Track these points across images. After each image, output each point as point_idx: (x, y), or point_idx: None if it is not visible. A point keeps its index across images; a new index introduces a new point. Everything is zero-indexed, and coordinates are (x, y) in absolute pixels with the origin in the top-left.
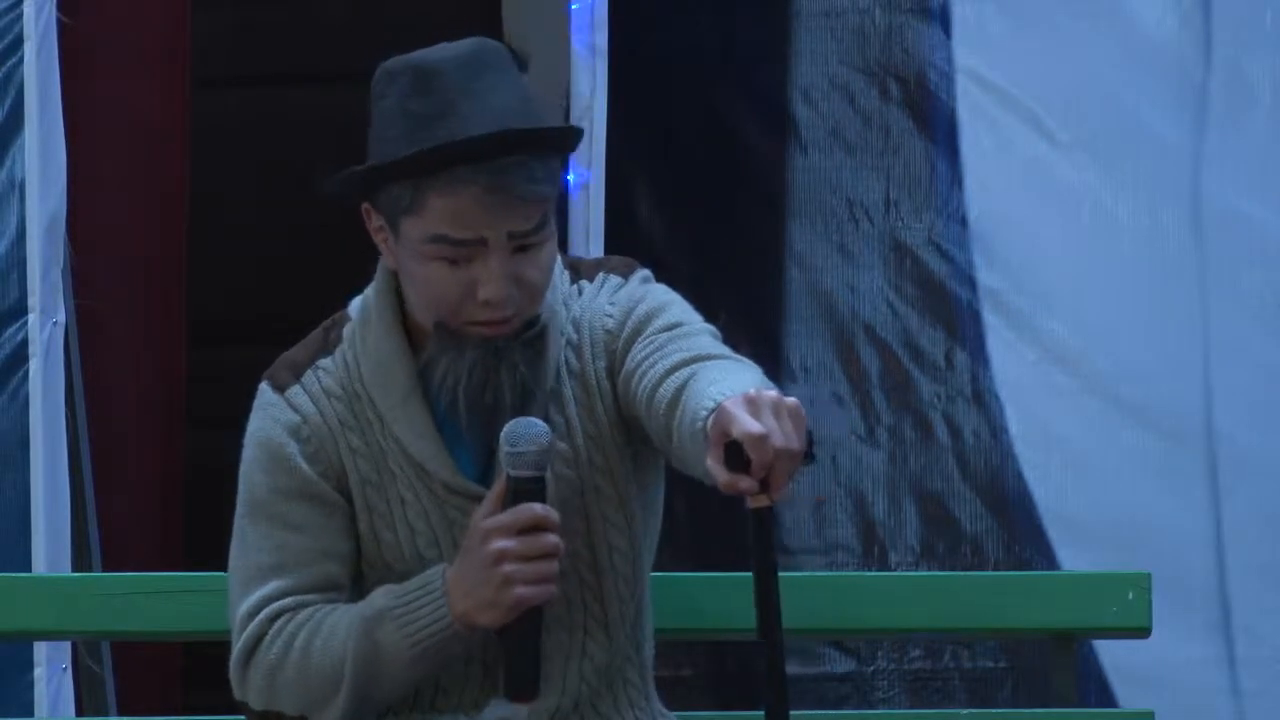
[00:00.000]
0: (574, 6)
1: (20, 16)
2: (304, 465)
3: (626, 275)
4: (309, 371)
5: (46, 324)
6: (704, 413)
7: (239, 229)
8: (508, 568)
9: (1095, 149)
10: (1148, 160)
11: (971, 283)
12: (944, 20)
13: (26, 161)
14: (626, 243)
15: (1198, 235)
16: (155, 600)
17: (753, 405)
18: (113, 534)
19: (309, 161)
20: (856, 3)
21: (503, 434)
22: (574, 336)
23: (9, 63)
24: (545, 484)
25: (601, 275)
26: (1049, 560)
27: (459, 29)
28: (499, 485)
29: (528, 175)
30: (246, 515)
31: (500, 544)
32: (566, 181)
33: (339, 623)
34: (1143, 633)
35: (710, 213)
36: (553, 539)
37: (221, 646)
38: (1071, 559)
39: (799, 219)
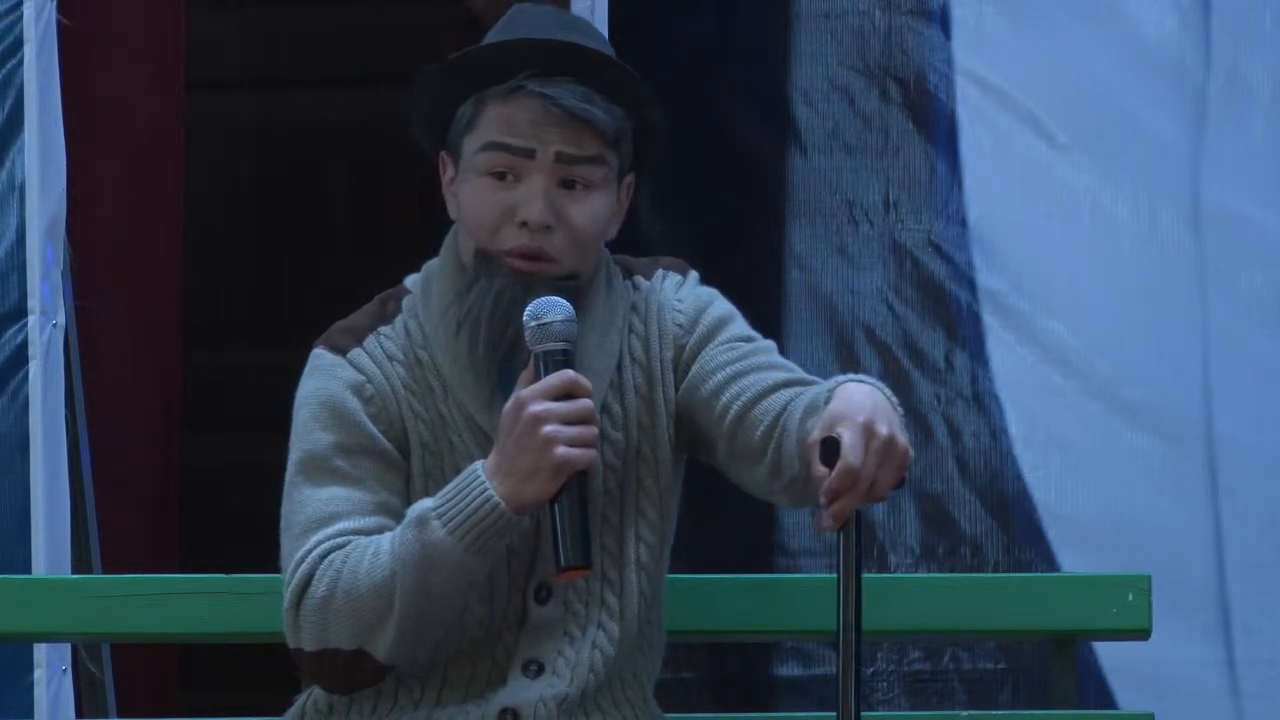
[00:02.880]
0: (574, 7)
1: (20, 18)
2: (367, 422)
3: (683, 273)
4: (370, 336)
5: (46, 326)
6: (826, 393)
7: (239, 230)
8: (547, 429)
9: (1095, 150)
10: (1147, 161)
11: (971, 284)
12: (944, 22)
13: (26, 163)
14: (627, 243)
15: (1197, 236)
16: (155, 602)
17: (866, 435)
18: (112, 536)
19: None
20: (856, 4)
21: (526, 311)
22: (640, 328)
23: (9, 64)
24: (572, 356)
25: (660, 272)
26: (1049, 562)
27: (466, 33)
28: (528, 369)
29: (582, 95)
30: (302, 472)
31: (536, 408)
32: None
33: (384, 541)
34: (1142, 634)
35: (710, 213)
36: (587, 403)
37: (221, 649)
38: (1071, 561)
39: (799, 220)
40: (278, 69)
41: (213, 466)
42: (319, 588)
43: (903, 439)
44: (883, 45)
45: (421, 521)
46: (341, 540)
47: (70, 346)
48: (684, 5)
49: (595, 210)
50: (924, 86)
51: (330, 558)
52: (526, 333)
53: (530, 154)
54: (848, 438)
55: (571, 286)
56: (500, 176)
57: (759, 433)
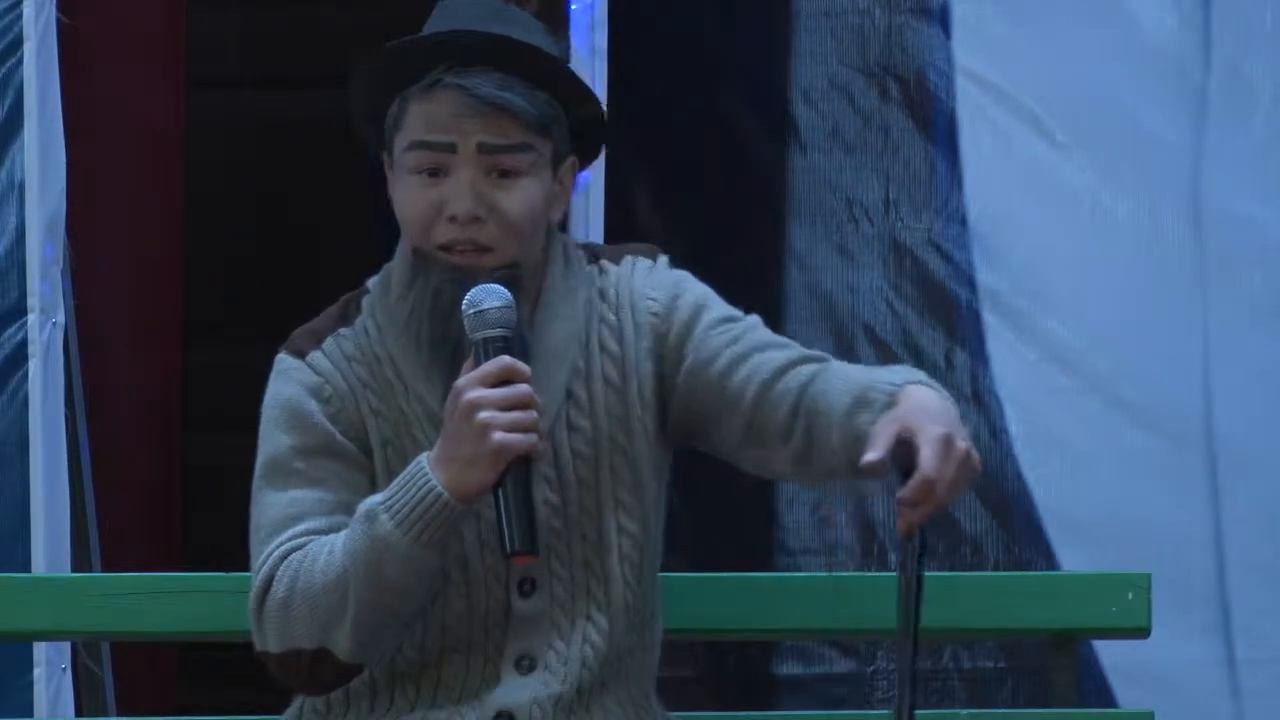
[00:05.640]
0: (574, 6)
1: (20, 16)
2: (326, 423)
3: (653, 258)
4: (329, 339)
5: (46, 324)
6: (890, 387)
7: (239, 229)
8: (483, 415)
9: (1095, 149)
10: (1147, 160)
11: (971, 283)
12: (944, 20)
13: (26, 161)
14: (626, 242)
15: (1197, 235)
16: (154, 601)
17: (946, 448)
18: (112, 534)
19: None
20: (856, 3)
21: (465, 300)
22: (611, 317)
23: (9, 63)
24: (511, 343)
25: (630, 258)
26: (1049, 560)
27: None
28: (469, 358)
29: (500, 84)
30: (265, 476)
31: (472, 395)
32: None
33: (339, 538)
34: (1142, 633)
35: (710, 213)
36: (525, 388)
37: (219, 647)
38: (1071, 559)
39: (799, 219)
40: (278, 69)
41: (212, 465)
42: (279, 589)
43: (976, 452)
44: (883, 44)
45: (370, 516)
46: (301, 541)
47: (70, 345)
48: (684, 5)
49: (527, 197)
50: (924, 85)
51: (289, 559)
52: (465, 321)
53: (452, 148)
54: (927, 450)
55: (512, 275)
56: (432, 174)
57: (782, 413)
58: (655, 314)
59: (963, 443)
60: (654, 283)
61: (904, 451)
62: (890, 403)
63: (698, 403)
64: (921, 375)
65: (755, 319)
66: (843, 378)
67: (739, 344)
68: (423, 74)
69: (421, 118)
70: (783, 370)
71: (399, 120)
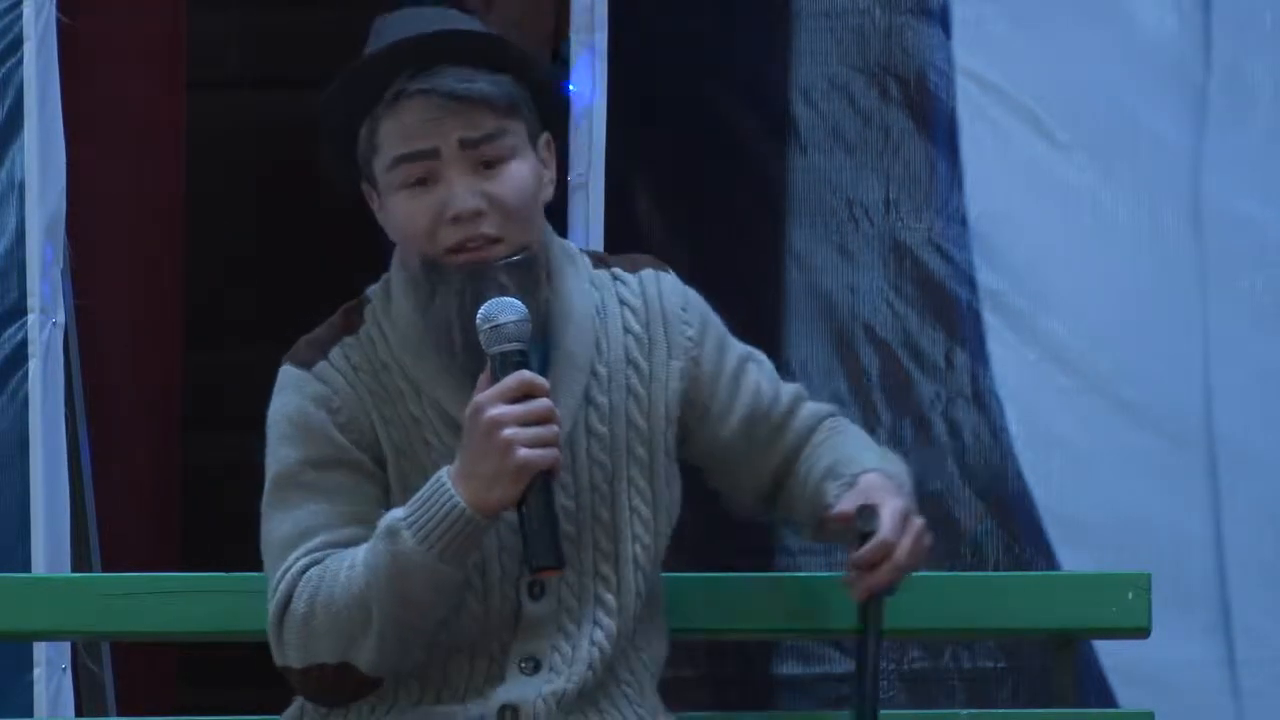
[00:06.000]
0: (574, 6)
1: (20, 16)
2: (336, 434)
3: (667, 271)
4: (334, 348)
5: (46, 324)
6: (858, 468)
7: (239, 229)
8: (506, 433)
9: (1095, 149)
10: (1148, 160)
11: (971, 283)
12: (944, 20)
13: (26, 162)
14: (626, 243)
15: (1198, 235)
16: (155, 601)
17: (904, 519)
18: (112, 534)
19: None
20: (856, 3)
21: (479, 315)
22: (638, 329)
23: (9, 63)
24: (528, 356)
25: (651, 272)
26: (1049, 560)
27: None
28: (486, 372)
29: (460, 76)
30: (275, 491)
31: (494, 412)
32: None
33: (359, 553)
34: (1142, 633)
35: (710, 213)
36: (546, 402)
37: (219, 647)
38: (1071, 559)
39: (799, 219)
40: (278, 69)
41: (212, 466)
42: (299, 604)
43: (929, 534)
44: (883, 44)
45: (392, 532)
46: (319, 555)
47: (70, 345)
48: (684, 4)
49: (518, 179)
50: (924, 85)
51: (308, 574)
52: (480, 336)
53: (435, 153)
54: (887, 516)
55: (526, 261)
56: (421, 182)
57: (797, 476)
58: (690, 338)
59: (919, 520)
60: (682, 300)
61: (865, 519)
62: (853, 482)
63: (739, 455)
64: (893, 466)
65: (766, 359)
66: (827, 448)
67: (780, 402)
68: (383, 91)
69: (396, 132)
70: (808, 436)
71: (373, 143)
